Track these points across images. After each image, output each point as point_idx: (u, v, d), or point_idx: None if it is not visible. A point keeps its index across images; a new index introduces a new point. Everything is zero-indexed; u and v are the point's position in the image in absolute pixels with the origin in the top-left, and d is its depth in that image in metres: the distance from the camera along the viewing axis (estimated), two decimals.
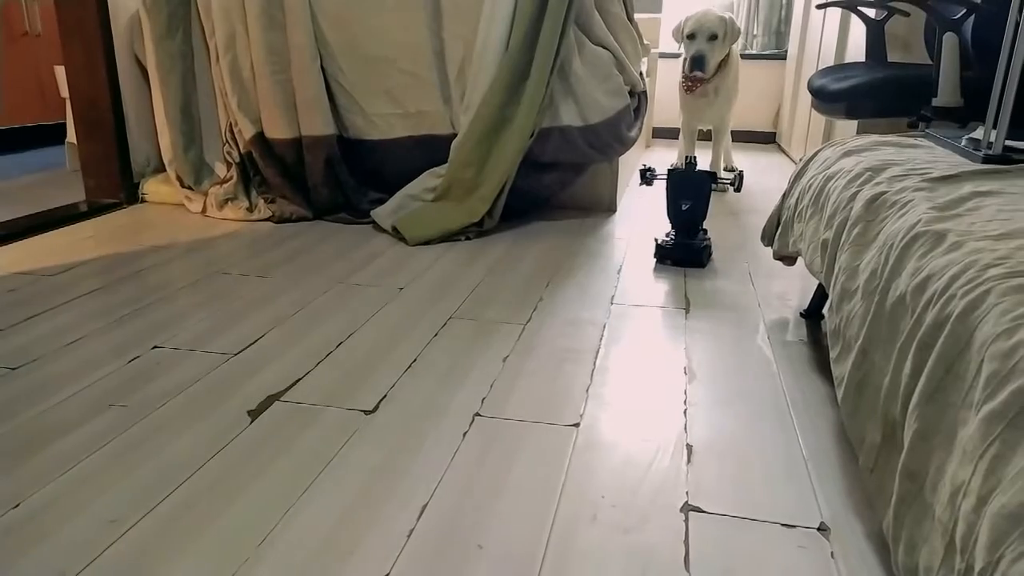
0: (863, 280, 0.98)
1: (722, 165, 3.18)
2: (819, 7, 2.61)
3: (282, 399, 1.22)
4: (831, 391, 1.28)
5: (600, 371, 1.35)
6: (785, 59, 4.26)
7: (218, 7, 2.30)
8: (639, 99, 2.55)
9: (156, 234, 2.23)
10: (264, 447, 1.08)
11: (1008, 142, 1.31)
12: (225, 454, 1.06)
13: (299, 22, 2.24)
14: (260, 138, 2.37)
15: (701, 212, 1.96)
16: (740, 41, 4.57)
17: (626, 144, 2.42)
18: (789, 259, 1.69)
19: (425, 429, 1.13)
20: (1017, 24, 1.25)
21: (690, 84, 2.83)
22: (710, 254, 2.03)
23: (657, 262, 2.00)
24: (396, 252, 2.08)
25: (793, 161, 3.75)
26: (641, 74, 2.62)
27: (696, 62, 2.71)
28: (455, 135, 2.32)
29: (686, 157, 2.05)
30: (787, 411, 1.21)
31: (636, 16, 2.76)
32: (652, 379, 1.32)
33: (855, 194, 1.19)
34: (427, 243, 2.14)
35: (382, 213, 2.28)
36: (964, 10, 1.77)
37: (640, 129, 2.56)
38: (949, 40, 1.77)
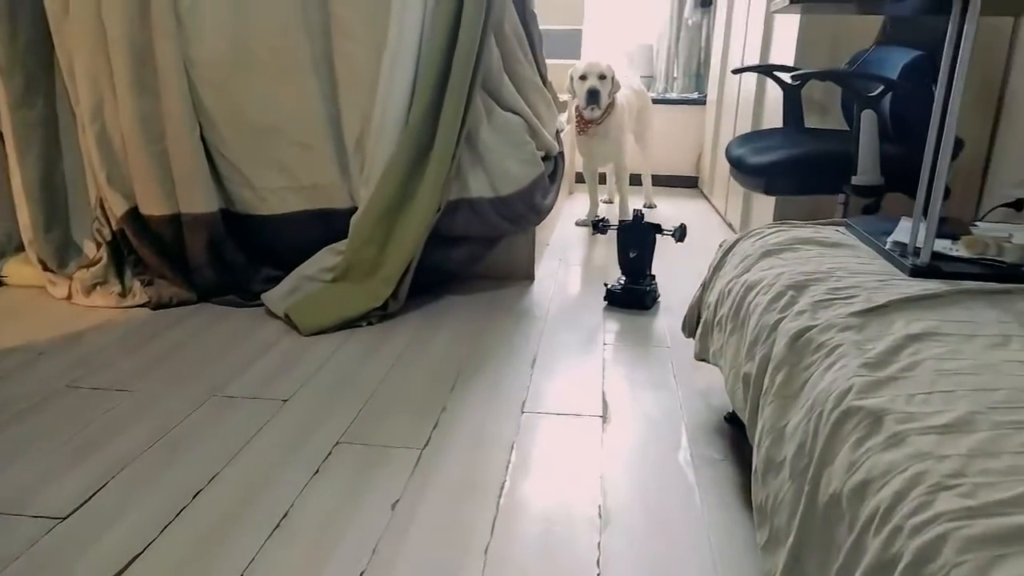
0: (790, 453, 0.84)
1: (640, 203, 3.58)
2: (735, 72, 2.55)
3: None
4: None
5: (504, 515, 1.17)
6: (705, 104, 4.24)
7: (83, 71, 2.05)
8: (555, 162, 2.42)
9: (11, 329, 1.95)
10: None
11: (937, 243, 1.21)
12: None
13: (173, 87, 2.01)
14: (134, 214, 2.12)
15: (647, 260, 2.20)
16: (660, 84, 4.55)
17: (541, 214, 2.28)
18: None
19: None
20: (941, 126, 1.15)
21: (583, 126, 3.12)
22: (655, 298, 2.22)
23: (607, 305, 2.20)
24: (288, 344, 1.87)
25: (716, 209, 3.69)
26: (558, 133, 2.49)
27: (592, 95, 3.01)
28: (355, 208, 2.13)
29: (634, 210, 2.25)
30: (710, 559, 1.06)
31: (554, 62, 2.64)
32: (562, 525, 1.15)
33: (777, 323, 1.06)
34: (323, 332, 1.94)
35: (274, 297, 2.07)
36: (882, 87, 1.69)
37: (556, 195, 2.42)
38: (867, 118, 1.69)
